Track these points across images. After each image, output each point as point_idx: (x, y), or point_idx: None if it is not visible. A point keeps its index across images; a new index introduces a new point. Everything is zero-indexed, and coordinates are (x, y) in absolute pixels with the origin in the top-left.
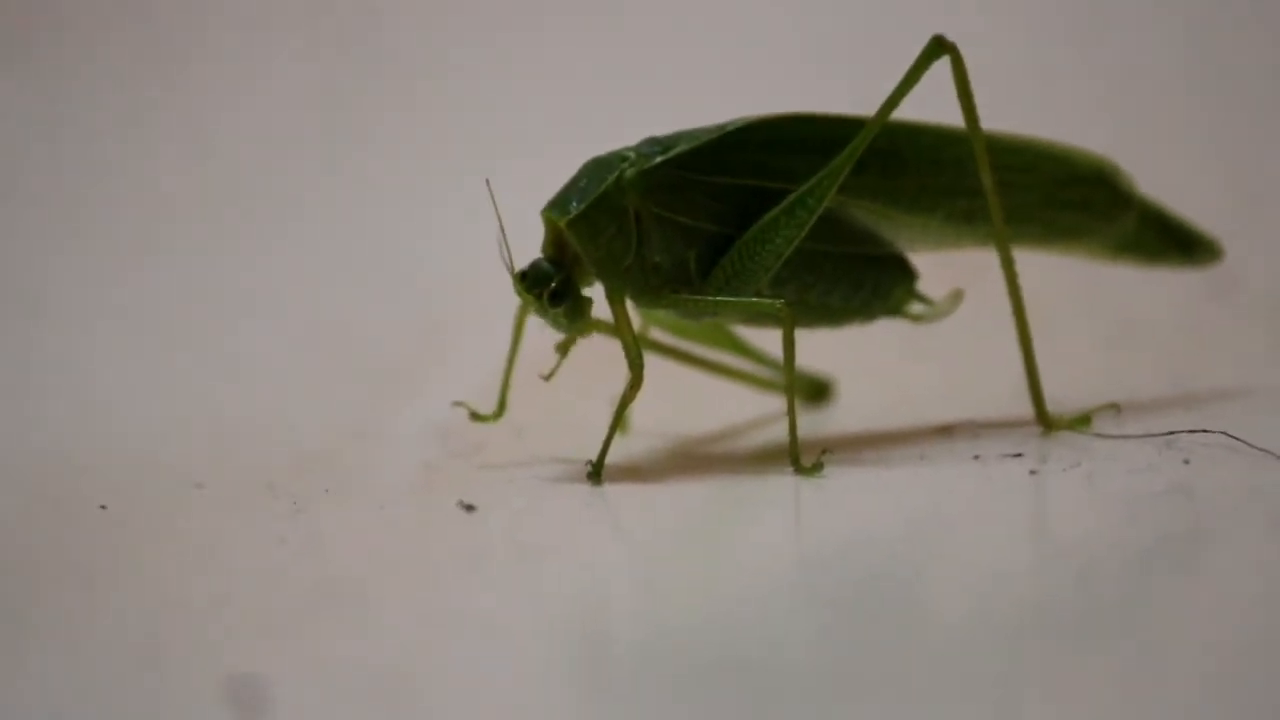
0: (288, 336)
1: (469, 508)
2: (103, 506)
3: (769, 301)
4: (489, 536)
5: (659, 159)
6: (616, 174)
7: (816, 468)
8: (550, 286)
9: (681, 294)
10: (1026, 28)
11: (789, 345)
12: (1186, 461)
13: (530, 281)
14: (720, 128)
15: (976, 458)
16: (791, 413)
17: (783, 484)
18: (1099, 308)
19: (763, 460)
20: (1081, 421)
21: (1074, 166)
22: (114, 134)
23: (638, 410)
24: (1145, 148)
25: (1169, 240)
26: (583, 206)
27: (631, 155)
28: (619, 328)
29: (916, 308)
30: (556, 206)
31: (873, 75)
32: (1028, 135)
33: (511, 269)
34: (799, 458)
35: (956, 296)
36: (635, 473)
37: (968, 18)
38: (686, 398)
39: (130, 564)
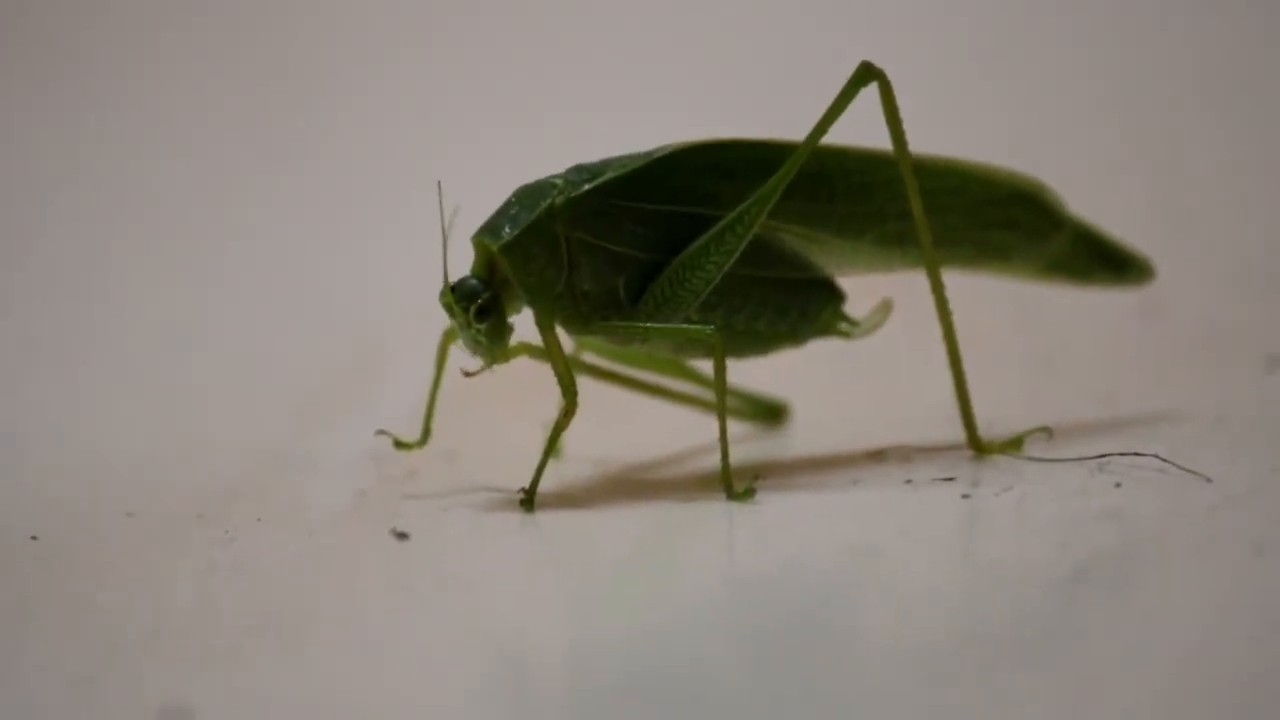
0: (218, 363)
1: (402, 536)
2: (34, 537)
3: (698, 328)
4: (422, 565)
5: (587, 187)
6: (549, 201)
7: (749, 493)
8: (478, 302)
9: (611, 321)
10: (954, 53)
11: (720, 371)
12: (1118, 485)
13: (459, 295)
14: (648, 154)
15: (909, 482)
16: (723, 438)
17: (715, 510)
18: (1030, 331)
19: (696, 486)
20: (1013, 445)
21: (1002, 187)
22: (34, 163)
23: (570, 436)
24: (1075, 169)
25: (1100, 260)
26: (515, 233)
27: (560, 182)
28: (551, 354)
29: (845, 326)
30: (489, 232)
31: (802, 101)
32: (956, 157)
33: (446, 277)
34: (731, 483)
35: (886, 307)
36: (568, 499)
37: (896, 43)
38: (619, 423)
39: (62, 594)
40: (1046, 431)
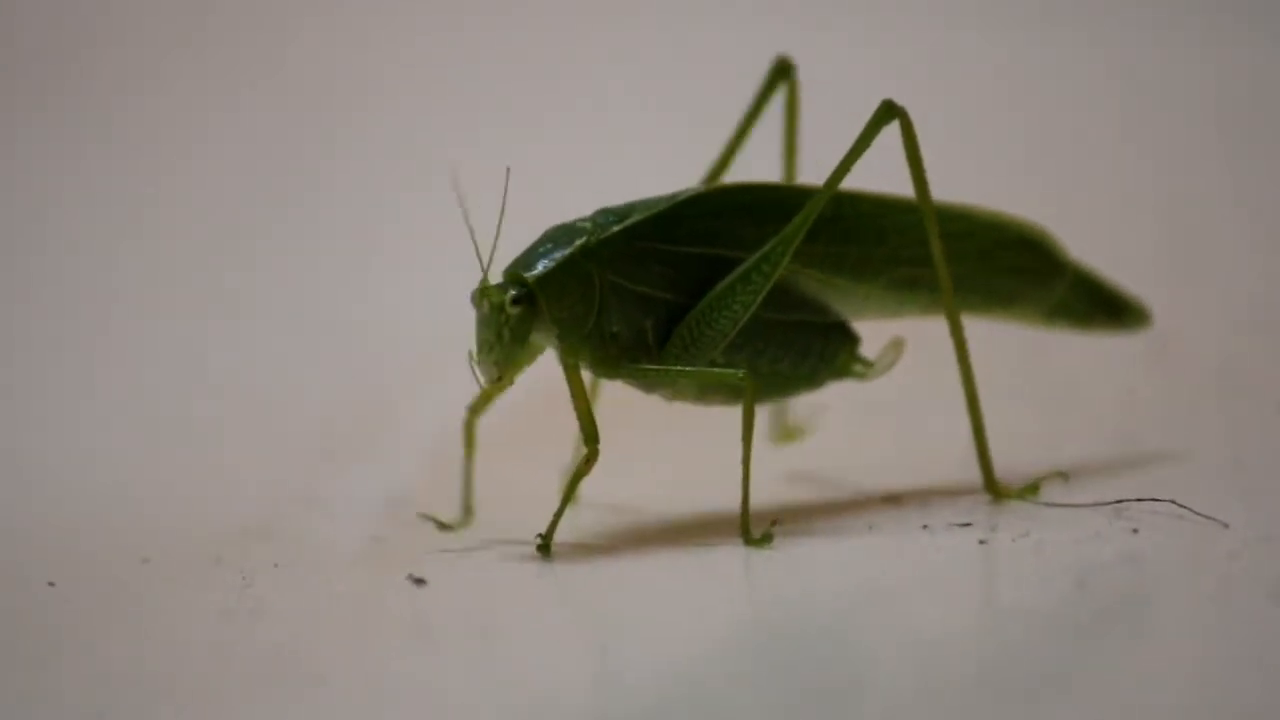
0: (235, 407)
1: (419, 581)
2: (51, 583)
3: (730, 371)
4: (439, 611)
5: (616, 228)
6: (583, 240)
7: (766, 539)
8: (514, 292)
9: (640, 364)
10: (964, 95)
11: (749, 415)
12: (1135, 530)
13: (500, 283)
14: (672, 197)
15: (925, 527)
16: (745, 483)
17: (733, 556)
18: (1044, 372)
19: (712, 531)
20: (1030, 490)
21: (1007, 232)
22: (49, 199)
23: (586, 481)
24: (1087, 211)
25: (1099, 306)
26: (552, 267)
27: (589, 224)
28: (575, 399)
29: (860, 368)
30: (523, 265)
31: (819, 138)
32: (961, 202)
33: (485, 269)
34: (749, 529)
35: (898, 346)
36: (585, 546)
37: (917, 83)
38: (635, 467)
39: (79, 641)
40: (1063, 476)
